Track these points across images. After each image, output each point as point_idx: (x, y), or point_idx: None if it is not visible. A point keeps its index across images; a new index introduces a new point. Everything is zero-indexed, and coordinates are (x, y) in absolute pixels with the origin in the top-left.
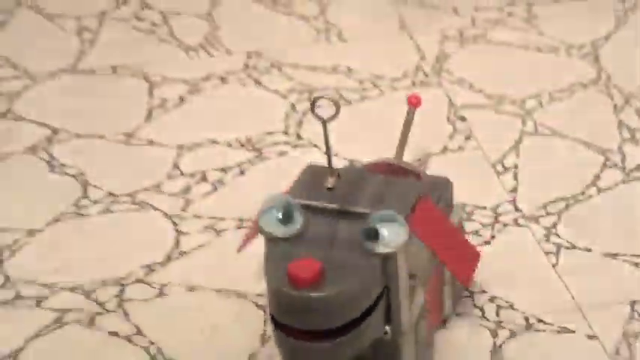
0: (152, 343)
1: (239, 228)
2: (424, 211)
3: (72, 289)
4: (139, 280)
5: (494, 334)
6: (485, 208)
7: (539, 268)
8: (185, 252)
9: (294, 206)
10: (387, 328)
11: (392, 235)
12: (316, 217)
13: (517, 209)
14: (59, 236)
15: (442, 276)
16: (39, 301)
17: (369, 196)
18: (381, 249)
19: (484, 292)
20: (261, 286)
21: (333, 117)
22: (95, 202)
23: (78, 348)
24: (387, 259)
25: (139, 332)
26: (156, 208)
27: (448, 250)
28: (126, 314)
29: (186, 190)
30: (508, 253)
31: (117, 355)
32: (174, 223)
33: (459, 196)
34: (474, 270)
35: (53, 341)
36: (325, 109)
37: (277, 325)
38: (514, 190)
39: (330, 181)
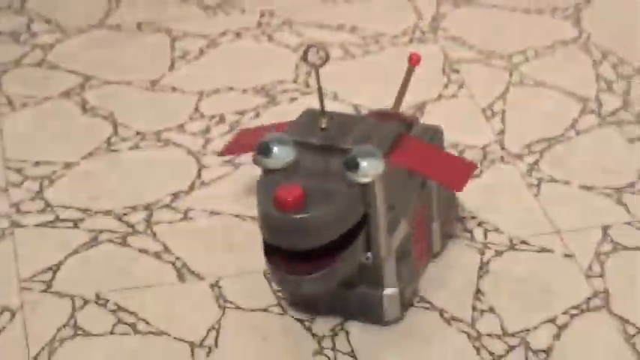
0: (178, 259)
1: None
2: (405, 145)
3: (105, 213)
4: (165, 206)
5: (482, 253)
6: (475, 147)
7: (523, 198)
8: (206, 182)
9: (288, 142)
10: (369, 254)
11: (370, 166)
12: (308, 153)
13: (503, 148)
14: (93, 168)
15: (430, 213)
16: (76, 223)
17: (355, 136)
18: (360, 179)
19: (473, 217)
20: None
21: (323, 64)
22: (125, 139)
23: (112, 262)
24: (366, 188)
25: (167, 250)
26: (179, 145)
27: (436, 168)
28: (154, 234)
29: (207, 130)
30: (495, 186)
31: (147, 268)
32: (196, 158)
33: (453, 136)
34: (467, 176)
35: (90, 257)
36: (317, 58)
37: (269, 260)
38: (501, 132)
39: (323, 122)
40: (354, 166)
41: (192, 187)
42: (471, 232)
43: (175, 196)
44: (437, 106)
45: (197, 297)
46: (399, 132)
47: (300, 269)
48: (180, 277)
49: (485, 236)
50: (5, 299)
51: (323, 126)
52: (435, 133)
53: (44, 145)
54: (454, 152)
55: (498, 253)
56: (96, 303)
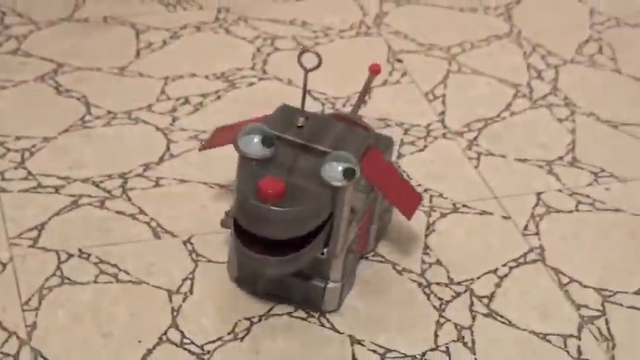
0: (152, 219)
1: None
2: (373, 157)
3: (83, 181)
4: (138, 175)
5: (428, 215)
6: (419, 125)
7: (464, 169)
8: (175, 155)
9: (269, 134)
10: (325, 250)
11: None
12: (284, 148)
13: (445, 127)
14: (70, 142)
15: (372, 216)
16: (57, 189)
17: (330, 139)
18: (335, 182)
19: (419, 185)
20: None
21: (315, 68)
22: (98, 117)
23: (92, 223)
24: (338, 191)
25: (142, 212)
26: (148, 123)
27: (392, 189)
28: (129, 199)
29: (173, 109)
30: (438, 158)
31: (124, 227)
32: (165, 134)
33: (398, 117)
34: (416, 208)
35: (71, 218)
36: (309, 61)
37: (239, 236)
38: (442, 113)
39: (300, 120)
40: (350, 174)
41: (161, 159)
42: None
43: (147, 166)
44: (383, 91)
45: (172, 252)
46: (369, 142)
47: (264, 249)
48: (156, 235)
49: (431, 200)
50: None
51: (299, 124)
52: (388, 144)
53: (23, 122)
54: (400, 130)
55: (443, 215)
56: (79, 257)
